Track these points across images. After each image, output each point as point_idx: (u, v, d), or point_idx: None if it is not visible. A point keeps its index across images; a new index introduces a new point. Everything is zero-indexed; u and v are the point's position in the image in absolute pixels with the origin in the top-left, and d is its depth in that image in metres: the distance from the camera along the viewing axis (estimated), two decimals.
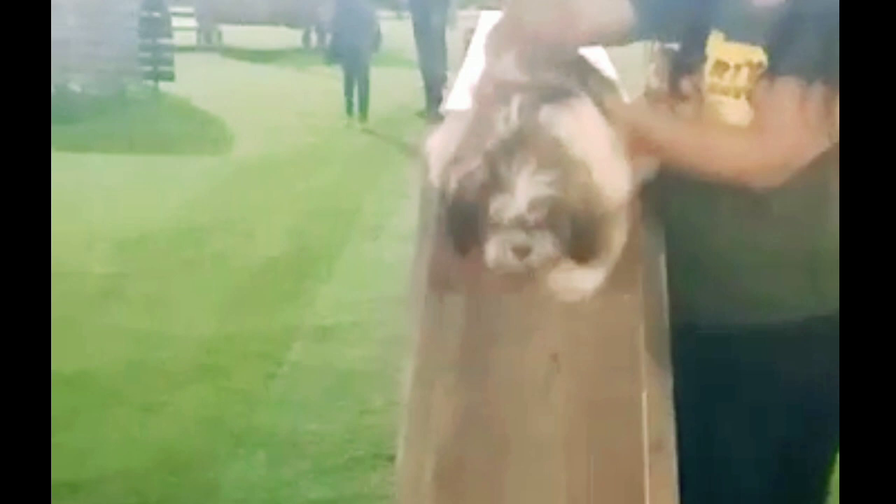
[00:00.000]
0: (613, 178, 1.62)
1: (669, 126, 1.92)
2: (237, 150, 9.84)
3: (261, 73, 14.60)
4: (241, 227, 7.13)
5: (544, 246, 1.54)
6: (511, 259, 1.56)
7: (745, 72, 1.85)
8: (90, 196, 7.76)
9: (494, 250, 1.56)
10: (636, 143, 1.80)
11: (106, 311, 5.50)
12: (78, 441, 4.01)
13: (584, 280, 1.65)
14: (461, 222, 1.59)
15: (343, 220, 7.25)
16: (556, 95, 1.62)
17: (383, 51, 13.55)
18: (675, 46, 2.01)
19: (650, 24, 2.04)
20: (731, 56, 1.89)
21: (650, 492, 1.52)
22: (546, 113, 1.58)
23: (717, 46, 1.92)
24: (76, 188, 7.85)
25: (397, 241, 6.35)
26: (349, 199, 7.86)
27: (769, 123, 1.79)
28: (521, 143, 1.54)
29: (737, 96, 1.86)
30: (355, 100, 10.73)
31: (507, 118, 1.59)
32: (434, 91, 10.50)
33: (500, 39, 1.92)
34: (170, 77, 12.46)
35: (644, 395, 1.61)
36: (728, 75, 1.88)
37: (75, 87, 11.84)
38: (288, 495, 3.62)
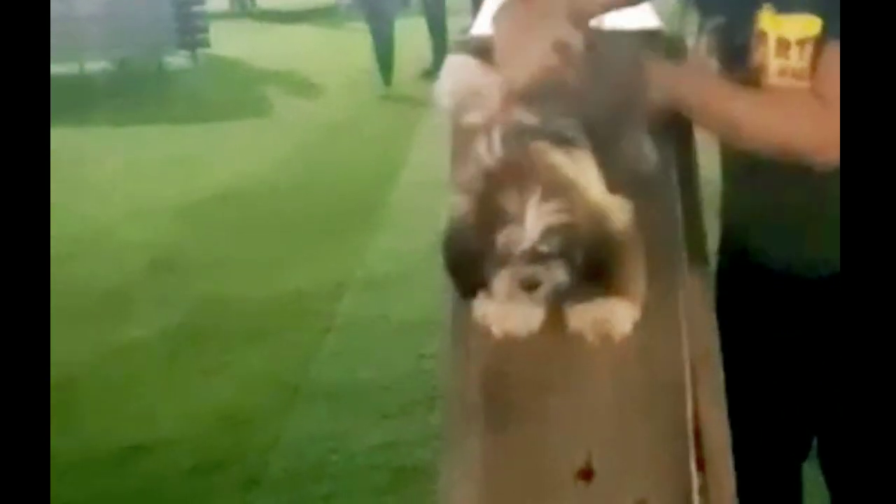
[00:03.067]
0: (614, 209, 1.50)
1: (727, 99, 1.74)
2: (278, 111, 9.83)
3: (296, 33, 14.55)
4: (287, 187, 7.14)
5: (557, 276, 1.45)
6: (520, 293, 1.47)
7: (808, 49, 1.68)
8: (137, 169, 7.80)
9: (502, 286, 1.46)
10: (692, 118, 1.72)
11: (160, 280, 5.55)
12: (138, 407, 4.08)
13: (617, 318, 1.54)
14: (464, 261, 1.49)
15: (388, 173, 7.23)
16: (551, 138, 1.51)
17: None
18: (721, 21, 1.84)
19: None
20: (790, 31, 1.70)
21: (697, 404, 1.49)
22: (538, 147, 1.48)
23: (772, 21, 1.73)
24: (121, 162, 7.91)
25: (443, 190, 6.31)
26: (393, 152, 7.83)
27: (829, 94, 1.61)
28: (518, 172, 1.45)
29: (808, 78, 1.69)
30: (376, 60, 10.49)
31: (491, 148, 1.50)
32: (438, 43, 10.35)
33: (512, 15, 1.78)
34: (206, 44, 12.45)
35: (684, 305, 1.58)
36: (793, 55, 1.70)
37: (112, 63, 11.89)
38: (349, 444, 3.65)
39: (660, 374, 1.49)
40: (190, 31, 12.37)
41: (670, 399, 1.47)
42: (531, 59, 1.69)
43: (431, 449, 3.25)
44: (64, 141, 6.16)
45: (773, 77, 1.74)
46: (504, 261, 1.43)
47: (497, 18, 1.81)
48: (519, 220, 1.41)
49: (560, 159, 1.47)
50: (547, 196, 1.41)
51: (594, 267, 1.46)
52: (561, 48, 1.69)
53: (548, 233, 1.41)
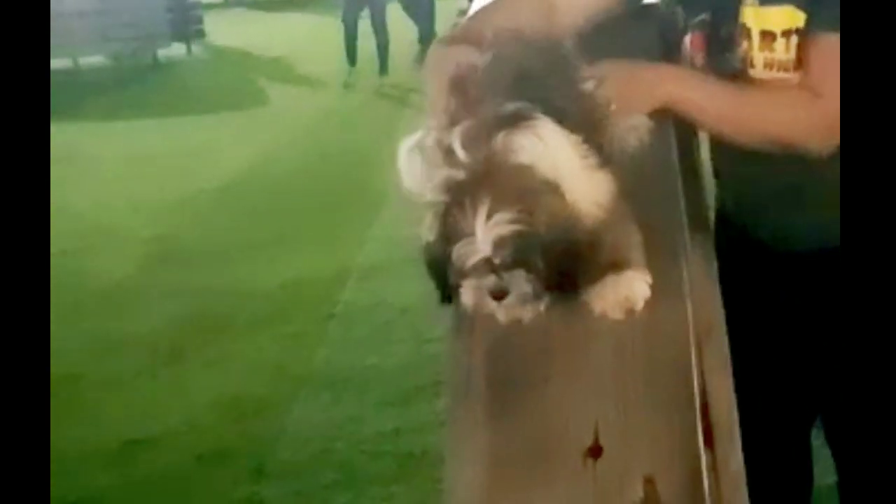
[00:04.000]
0: (590, 191, 1.46)
1: (715, 97, 1.74)
2: (275, 101, 9.82)
3: (291, 22, 14.51)
4: (284, 177, 7.13)
5: (520, 286, 1.41)
6: (489, 303, 1.43)
7: (794, 40, 1.70)
8: (134, 162, 7.79)
9: (469, 296, 1.43)
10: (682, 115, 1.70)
11: (160, 272, 5.54)
12: (142, 400, 4.07)
13: (635, 290, 1.51)
14: (436, 271, 1.46)
15: (385, 160, 7.19)
16: (510, 121, 1.44)
17: None
18: (706, 17, 1.85)
19: None
20: (773, 23, 1.71)
21: (703, 376, 1.47)
22: (501, 140, 1.42)
23: (755, 14, 1.74)
24: (118, 156, 7.90)
25: None
26: (389, 139, 7.80)
27: (822, 85, 1.64)
28: (473, 180, 1.39)
29: (794, 70, 1.71)
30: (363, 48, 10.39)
31: (451, 153, 1.43)
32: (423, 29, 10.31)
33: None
34: (201, 35, 12.44)
35: (688, 278, 1.57)
36: (779, 47, 1.72)
37: (106, 58, 11.87)
38: (353, 430, 3.65)
39: (665, 349, 1.47)
40: (184, 23, 12.37)
41: (676, 374, 1.45)
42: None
43: (437, 435, 3.24)
44: (59, 136, 6.15)
45: (759, 70, 1.75)
46: (464, 273, 1.40)
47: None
48: (470, 231, 1.37)
49: (530, 156, 1.41)
50: (498, 205, 1.36)
51: (561, 271, 1.42)
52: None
53: (499, 244, 1.36)
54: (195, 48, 12.40)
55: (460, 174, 1.41)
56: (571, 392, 1.45)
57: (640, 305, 1.51)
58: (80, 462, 3.61)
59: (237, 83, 10.76)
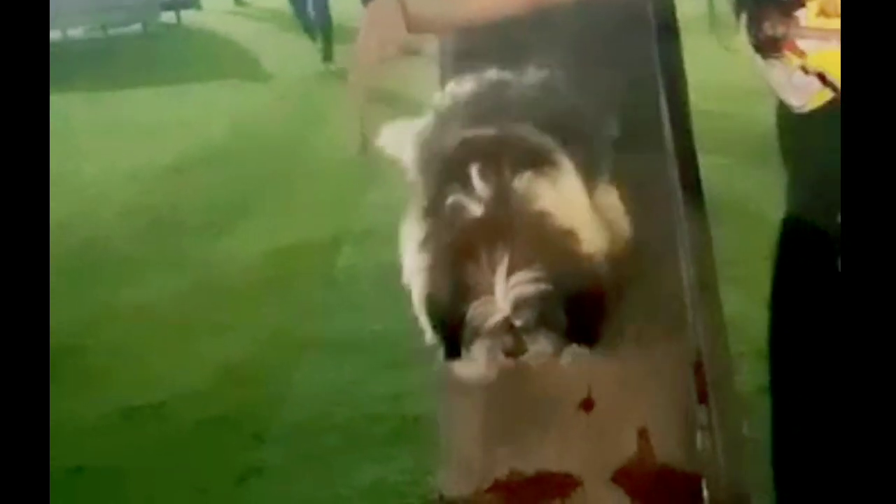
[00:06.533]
0: (601, 240, 1.39)
1: None
2: (266, 67, 9.77)
3: None
4: (278, 145, 7.12)
5: (540, 344, 1.33)
6: (504, 360, 1.35)
7: None
8: (126, 132, 7.77)
9: (482, 355, 1.35)
10: None
11: (159, 241, 5.55)
12: (146, 369, 4.09)
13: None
14: (445, 327, 1.36)
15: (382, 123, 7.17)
16: (533, 159, 1.36)
17: None
18: None
19: None
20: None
21: (699, 331, 1.49)
22: (522, 183, 1.33)
23: None
24: (110, 126, 7.88)
25: None
26: (382, 107, 7.76)
27: None
28: (493, 229, 1.30)
29: None
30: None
31: (471, 196, 1.32)
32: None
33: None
34: (192, 5, 12.36)
35: (682, 237, 1.58)
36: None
37: (97, 30, 11.79)
38: (354, 394, 3.67)
39: (659, 306, 1.49)
40: None
41: (670, 331, 1.48)
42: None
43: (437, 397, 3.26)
44: (51, 108, 6.11)
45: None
46: (479, 332, 1.32)
47: None
48: (489, 290, 1.28)
49: (550, 203, 1.32)
50: (518, 262, 1.28)
51: (584, 325, 1.35)
52: None
53: (521, 304, 1.28)
54: (185, 19, 12.32)
55: (477, 209, 1.32)
56: None
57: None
58: (82, 430, 3.63)
59: (227, 52, 10.70)
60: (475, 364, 1.38)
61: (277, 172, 6.50)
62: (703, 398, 1.44)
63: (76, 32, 11.56)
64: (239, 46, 10.81)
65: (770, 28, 1.74)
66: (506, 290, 1.27)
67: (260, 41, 10.78)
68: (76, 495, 3.28)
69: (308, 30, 9.85)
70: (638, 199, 1.54)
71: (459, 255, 1.31)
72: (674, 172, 1.69)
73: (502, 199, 1.32)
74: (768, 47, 1.75)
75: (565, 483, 1.39)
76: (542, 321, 1.31)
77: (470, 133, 1.43)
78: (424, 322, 1.41)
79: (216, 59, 10.38)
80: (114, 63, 10.40)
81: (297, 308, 4.48)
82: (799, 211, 2.01)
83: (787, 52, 1.73)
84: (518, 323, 1.29)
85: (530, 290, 1.27)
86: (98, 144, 7.51)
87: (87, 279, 5.00)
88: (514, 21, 1.68)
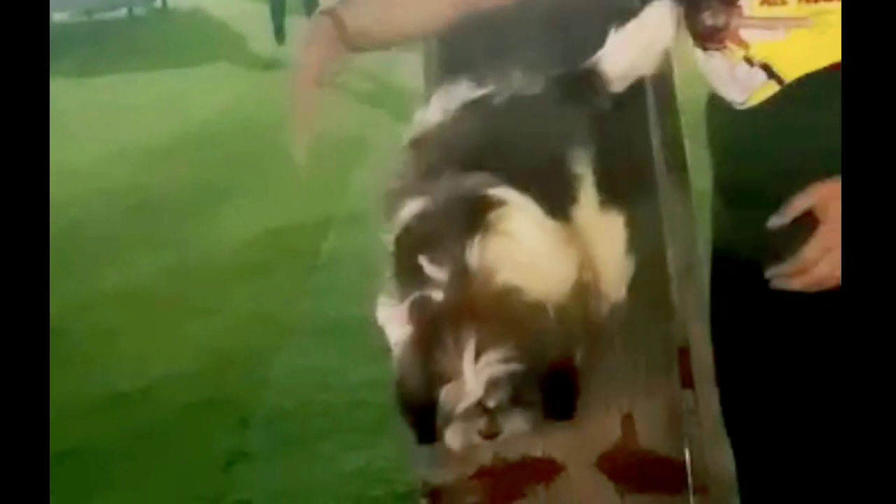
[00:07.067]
0: (574, 301, 1.32)
1: None
2: (252, 50, 9.74)
3: None
4: (264, 128, 7.08)
5: (515, 423, 1.28)
6: (480, 442, 1.29)
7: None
8: (111, 115, 7.75)
9: (457, 439, 1.28)
10: None
11: (144, 222, 5.55)
12: (128, 353, 4.08)
13: None
14: (414, 413, 1.30)
15: (368, 109, 7.16)
16: (481, 218, 1.29)
17: None
18: None
19: None
20: None
21: (682, 320, 1.48)
22: (475, 254, 1.26)
23: None
24: (95, 109, 7.85)
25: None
26: (371, 89, 7.76)
27: None
28: (456, 311, 1.24)
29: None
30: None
31: (429, 286, 1.27)
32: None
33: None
34: None
35: (666, 217, 1.57)
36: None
37: (81, 14, 11.74)
38: (337, 380, 3.66)
39: (643, 289, 1.48)
40: None
41: (653, 314, 1.47)
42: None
43: None
44: None
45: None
46: (451, 417, 1.26)
47: None
48: (458, 375, 1.22)
49: (512, 269, 1.26)
50: (486, 343, 1.22)
51: (558, 401, 1.31)
52: None
53: (492, 386, 1.23)
54: (169, 3, 12.26)
55: (438, 294, 1.26)
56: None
57: None
58: (69, 414, 3.62)
59: (212, 35, 10.66)
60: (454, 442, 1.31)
61: (264, 155, 6.46)
62: (687, 382, 1.44)
63: (62, 17, 11.49)
64: (225, 29, 10.77)
65: (710, 17, 1.66)
66: (475, 373, 1.22)
67: (245, 23, 10.72)
68: (62, 480, 3.26)
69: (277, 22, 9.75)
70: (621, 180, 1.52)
71: (425, 343, 1.26)
72: (657, 153, 1.68)
73: (461, 279, 1.26)
74: (709, 38, 1.66)
75: (549, 468, 1.38)
76: (516, 400, 1.26)
77: (409, 214, 1.38)
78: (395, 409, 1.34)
79: (202, 42, 10.33)
80: (99, 47, 10.35)
81: (283, 292, 4.48)
82: (728, 227, 1.87)
83: (729, 44, 1.66)
84: (491, 404, 1.25)
85: (500, 370, 1.22)
86: (83, 128, 7.47)
87: (73, 262, 4.98)
88: (503, 23, 1.65)
